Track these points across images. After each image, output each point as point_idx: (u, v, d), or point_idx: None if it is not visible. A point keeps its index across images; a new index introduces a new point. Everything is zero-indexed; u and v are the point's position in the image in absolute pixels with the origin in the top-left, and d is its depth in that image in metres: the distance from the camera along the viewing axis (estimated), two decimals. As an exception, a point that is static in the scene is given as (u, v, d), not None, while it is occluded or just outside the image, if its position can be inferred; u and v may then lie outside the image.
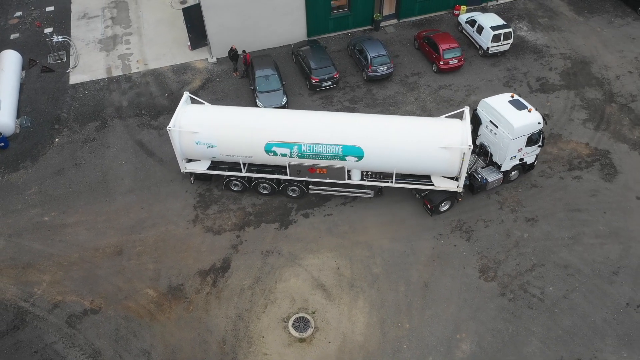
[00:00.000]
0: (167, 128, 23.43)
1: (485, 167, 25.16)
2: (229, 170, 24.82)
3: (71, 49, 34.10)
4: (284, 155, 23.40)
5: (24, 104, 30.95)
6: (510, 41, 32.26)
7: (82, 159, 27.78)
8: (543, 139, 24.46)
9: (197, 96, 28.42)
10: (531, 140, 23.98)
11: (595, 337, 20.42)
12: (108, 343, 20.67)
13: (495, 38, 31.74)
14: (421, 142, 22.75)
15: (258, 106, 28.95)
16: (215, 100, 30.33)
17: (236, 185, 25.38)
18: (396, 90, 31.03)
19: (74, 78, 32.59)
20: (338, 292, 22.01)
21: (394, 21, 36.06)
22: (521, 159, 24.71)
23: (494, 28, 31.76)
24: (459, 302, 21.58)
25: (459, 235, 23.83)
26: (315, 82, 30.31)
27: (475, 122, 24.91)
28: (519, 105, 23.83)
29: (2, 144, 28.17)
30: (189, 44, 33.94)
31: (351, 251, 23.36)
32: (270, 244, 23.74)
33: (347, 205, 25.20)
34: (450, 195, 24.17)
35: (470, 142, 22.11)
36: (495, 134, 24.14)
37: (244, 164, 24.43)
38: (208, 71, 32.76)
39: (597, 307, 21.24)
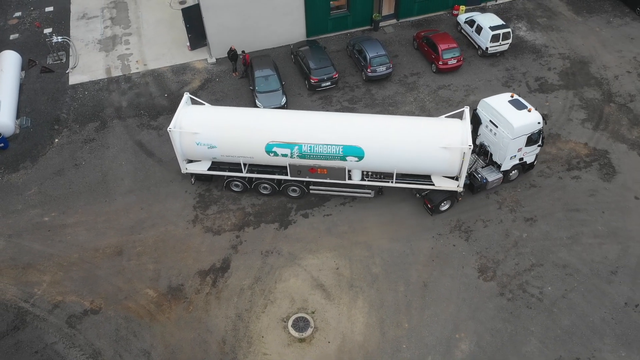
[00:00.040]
0: (168, 129, 23.48)
1: (485, 166, 25.24)
2: (229, 171, 24.87)
3: (70, 49, 34.13)
4: (284, 155, 23.46)
5: (24, 105, 30.99)
6: (509, 41, 32.32)
7: (82, 159, 27.83)
8: (543, 138, 24.53)
9: (196, 96, 28.45)
10: (531, 140, 24.05)
11: (594, 336, 20.49)
12: (108, 343, 20.73)
13: (494, 38, 31.80)
14: (421, 142, 22.81)
15: (257, 106, 29.01)
16: (215, 101, 30.38)
17: (237, 185, 25.43)
18: (395, 90, 31.08)
19: (74, 78, 32.63)
20: (337, 292, 22.08)
21: (393, 21, 36.11)
22: (521, 159, 24.78)
23: (492, 28, 31.83)
24: (458, 302, 21.65)
25: (458, 235, 23.90)
26: (315, 82, 30.36)
27: (475, 121, 24.98)
28: (518, 105, 23.90)
29: (2, 144, 28.21)
30: (188, 44, 33.97)
31: (350, 251, 23.43)
32: (269, 244, 23.80)
33: (346, 205, 25.26)
34: (451, 195, 24.24)
35: (470, 142, 22.18)
36: (495, 133, 24.21)
37: (245, 165, 24.48)
38: (207, 71, 32.81)
39: (595, 306, 21.31)
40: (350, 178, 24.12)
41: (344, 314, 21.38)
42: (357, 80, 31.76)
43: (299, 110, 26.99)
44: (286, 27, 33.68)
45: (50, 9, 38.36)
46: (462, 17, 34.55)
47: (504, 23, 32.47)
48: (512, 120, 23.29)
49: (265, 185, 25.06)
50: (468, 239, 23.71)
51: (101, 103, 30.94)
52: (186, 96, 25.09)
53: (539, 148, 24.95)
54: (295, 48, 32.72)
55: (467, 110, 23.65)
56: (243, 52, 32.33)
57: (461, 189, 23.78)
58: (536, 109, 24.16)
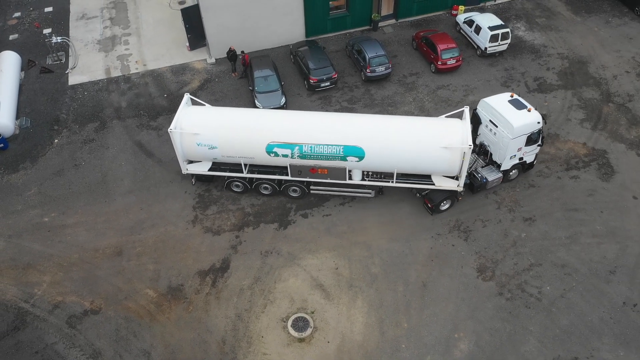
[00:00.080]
0: (169, 130, 23.51)
1: (485, 166, 25.31)
2: (230, 171, 24.92)
3: (70, 49, 34.15)
4: (285, 156, 23.51)
5: (23, 105, 31.02)
6: (508, 41, 32.37)
7: (82, 159, 27.87)
8: (542, 138, 24.60)
9: (195, 97, 28.48)
10: (531, 140, 24.13)
11: (592, 336, 20.57)
12: (108, 343, 20.78)
13: (493, 38, 31.85)
14: (422, 142, 22.89)
15: (257, 107, 29.06)
16: (214, 101, 30.42)
17: (237, 186, 25.48)
18: (394, 90, 31.13)
19: (73, 79, 32.66)
20: (337, 292, 22.14)
21: (392, 21, 36.15)
22: (521, 158, 24.86)
23: (491, 28, 31.88)
24: (457, 301, 21.71)
25: (457, 235, 23.96)
26: (314, 82, 30.41)
27: (475, 121, 25.05)
28: (518, 105, 23.98)
29: (2, 145, 28.25)
30: (187, 44, 34.00)
31: (350, 251, 23.49)
32: (269, 244, 23.86)
33: (345, 205, 25.32)
34: (451, 195, 24.32)
35: (470, 142, 22.26)
36: (495, 133, 24.28)
37: (245, 165, 24.54)
38: (207, 72, 32.84)
39: (594, 306, 21.39)
40: (350, 178, 24.19)
41: (344, 314, 21.44)
42: (356, 81, 31.81)
43: (300, 111, 27.05)
44: (285, 27, 33.72)
45: (50, 9, 38.37)
46: (461, 17, 34.60)
47: (503, 23, 32.53)
48: (512, 120, 23.36)
49: (266, 185, 25.12)
50: (467, 239, 23.78)
51: (101, 103, 30.98)
52: (186, 97, 25.12)
53: (539, 148, 25.02)
54: (295, 48, 32.76)
55: (467, 110, 23.71)
56: (242, 52, 32.38)
57: (461, 189, 23.85)
58: (536, 109, 24.23)
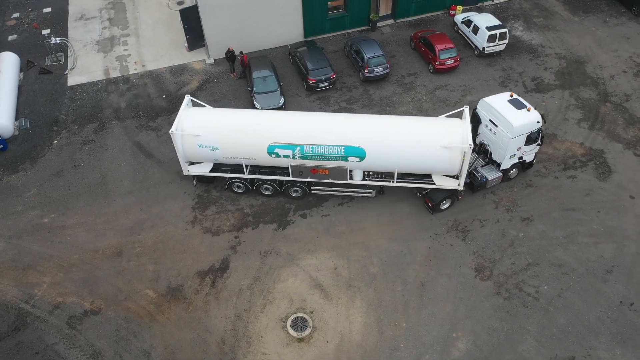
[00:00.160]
0: (170, 132, 23.57)
1: (485, 165, 25.43)
2: (231, 172, 25.01)
3: (69, 50, 34.20)
4: (286, 156, 23.61)
5: (23, 106, 31.07)
6: (506, 41, 32.48)
7: (81, 160, 27.94)
8: (542, 137, 24.73)
9: (194, 97, 28.56)
10: (530, 139, 24.26)
11: (589, 335, 20.71)
12: (108, 344, 20.89)
13: (491, 38, 31.95)
14: (422, 142, 23.02)
15: (255, 107, 29.15)
16: (213, 102, 30.49)
17: (239, 187, 25.56)
18: (393, 90, 31.23)
19: (72, 80, 32.71)
20: (336, 292, 22.25)
21: (390, 21, 36.24)
22: (520, 158, 24.99)
23: (489, 28, 31.98)
24: (455, 301, 21.84)
25: (455, 235, 24.09)
26: (312, 82, 30.50)
27: (475, 121, 25.17)
28: (518, 105, 24.10)
29: (1, 146, 28.31)
30: (186, 45, 34.06)
31: (348, 251, 23.60)
32: (268, 245, 23.96)
33: (344, 205, 25.43)
34: (451, 194, 24.45)
35: (470, 141, 22.40)
36: (494, 132, 24.40)
37: (247, 166, 24.63)
38: (205, 72, 32.92)
39: (591, 305, 21.53)
40: (351, 178, 24.31)
41: (342, 314, 21.56)
42: (354, 81, 31.90)
43: (301, 112, 27.14)
44: (284, 27, 33.79)
45: (48, 9, 38.39)
46: (459, 17, 34.70)
47: (501, 23, 32.63)
48: (511, 120, 23.48)
49: (267, 186, 25.21)
50: (465, 239, 23.90)
51: (100, 104, 31.05)
52: (187, 98, 25.17)
53: (538, 147, 25.15)
54: (293, 49, 32.84)
55: (466, 110, 23.84)
56: (241, 52, 32.44)
57: (462, 188, 23.98)
58: (535, 109, 24.36)
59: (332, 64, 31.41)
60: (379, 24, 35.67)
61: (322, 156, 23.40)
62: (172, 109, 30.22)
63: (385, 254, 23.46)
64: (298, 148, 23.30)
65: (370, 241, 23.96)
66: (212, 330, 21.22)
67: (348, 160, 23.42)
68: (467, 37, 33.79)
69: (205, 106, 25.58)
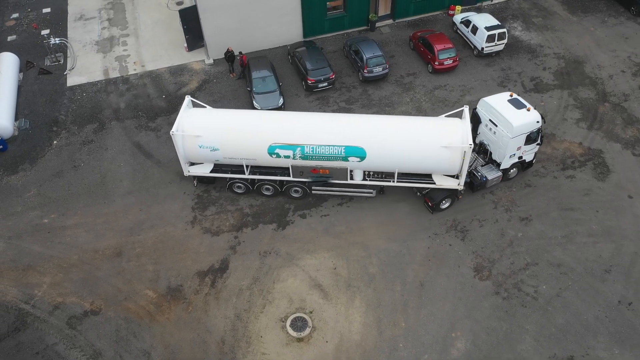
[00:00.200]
0: (171, 132, 23.59)
1: (485, 165, 25.50)
2: (231, 173, 25.06)
3: (68, 50, 34.23)
4: (287, 157, 23.66)
5: (22, 107, 31.10)
6: (505, 41, 32.53)
7: (81, 161, 27.98)
8: (542, 137, 24.80)
9: (194, 97, 28.59)
10: (530, 139, 24.33)
11: (588, 334, 20.78)
12: (108, 344, 20.94)
13: (490, 38, 32.00)
14: (422, 142, 23.09)
15: (255, 107, 29.20)
16: (213, 102, 30.52)
17: (239, 187, 25.61)
18: (392, 90, 31.28)
19: (72, 80, 32.73)
20: (335, 292, 22.32)
21: (390, 22, 36.29)
22: (520, 157, 25.06)
23: (488, 28, 32.03)
24: (454, 301, 21.91)
25: (454, 234, 24.15)
26: (312, 83, 30.54)
27: (475, 120, 25.24)
28: (518, 104, 24.17)
29: (1, 146, 28.34)
30: (185, 45, 34.10)
31: (348, 251, 23.66)
32: (267, 245, 24.02)
33: (343, 205, 25.49)
34: (451, 193, 24.51)
35: (470, 141, 22.48)
36: (494, 132, 24.47)
37: (247, 167, 24.68)
38: (205, 72, 32.95)
39: (589, 305, 21.60)
40: (352, 178, 24.37)
41: (342, 314, 21.62)
42: (353, 81, 31.95)
43: (301, 112, 27.21)
44: (283, 28, 33.83)
45: (48, 10, 38.41)
46: (458, 18, 34.75)
47: (500, 23, 32.68)
48: (511, 119, 23.55)
49: (268, 186, 25.26)
50: (464, 239, 23.97)
51: (99, 104, 31.08)
52: (187, 99, 25.20)
53: (538, 147, 25.22)
54: (292, 49, 32.88)
55: (466, 110, 23.91)
56: (240, 53, 32.48)
57: (462, 187, 24.05)
58: (534, 108, 24.42)
59: (331, 64, 31.45)
60: (378, 24, 35.72)
61: (322, 156, 23.46)
62: (172, 109, 30.27)
63: (385, 253, 23.52)
64: (299, 148, 23.35)
65: (369, 241, 24.02)
66: (212, 330, 21.28)
67: (348, 161, 23.48)
68: (466, 37, 33.85)
69: (205, 107, 25.62)
